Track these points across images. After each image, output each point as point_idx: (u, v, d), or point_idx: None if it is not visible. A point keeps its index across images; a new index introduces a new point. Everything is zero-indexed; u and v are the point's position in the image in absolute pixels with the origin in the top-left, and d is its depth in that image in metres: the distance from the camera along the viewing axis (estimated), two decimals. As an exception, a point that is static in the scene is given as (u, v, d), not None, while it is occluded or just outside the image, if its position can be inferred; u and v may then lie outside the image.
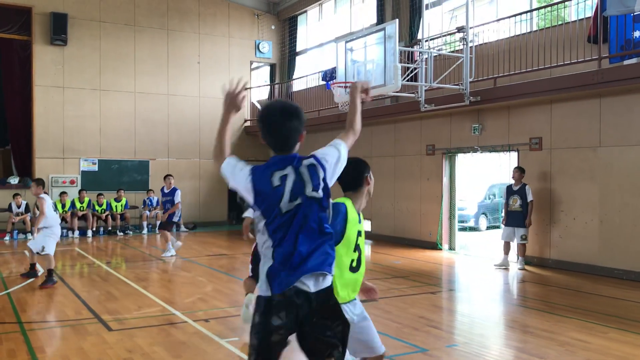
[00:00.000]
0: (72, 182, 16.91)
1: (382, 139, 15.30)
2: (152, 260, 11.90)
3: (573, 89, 9.85)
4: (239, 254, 13.02)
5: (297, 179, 2.94)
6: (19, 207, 15.33)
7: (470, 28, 11.17)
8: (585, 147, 10.33)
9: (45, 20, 16.54)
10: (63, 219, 15.76)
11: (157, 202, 17.15)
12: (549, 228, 10.91)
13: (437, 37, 12.90)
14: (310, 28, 19.46)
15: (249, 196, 3.01)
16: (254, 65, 20.62)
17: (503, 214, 11.19)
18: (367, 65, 10.85)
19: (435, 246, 13.32)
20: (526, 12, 11.43)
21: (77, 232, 15.77)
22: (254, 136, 19.90)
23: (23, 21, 16.54)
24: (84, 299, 7.93)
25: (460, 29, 11.23)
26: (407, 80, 11.14)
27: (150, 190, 17.45)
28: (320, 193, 2.96)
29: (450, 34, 12.44)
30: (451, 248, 13.31)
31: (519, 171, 10.85)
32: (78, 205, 16.05)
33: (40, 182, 9.44)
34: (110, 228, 16.38)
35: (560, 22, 10.66)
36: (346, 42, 11.48)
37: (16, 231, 15.22)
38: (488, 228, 18.70)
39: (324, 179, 3.00)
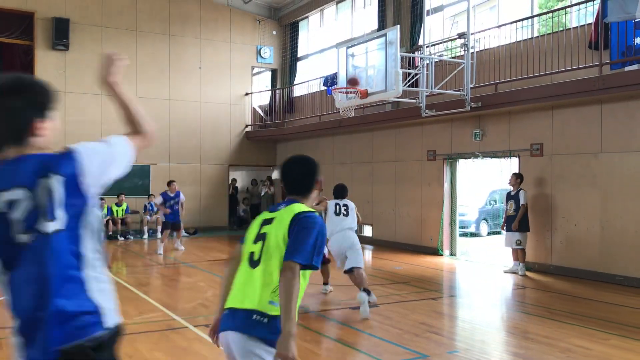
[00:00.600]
0: (73, 186, 16.91)
1: (383, 145, 15.32)
2: (153, 265, 11.90)
3: (574, 95, 9.86)
4: (240, 259, 13.02)
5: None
6: (20, 211, 15.32)
7: (472, 34, 11.20)
8: (587, 153, 10.33)
9: (47, 25, 16.60)
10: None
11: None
12: (549, 234, 10.90)
13: (438, 43, 12.93)
14: (312, 34, 19.51)
15: None
16: (255, 70, 20.66)
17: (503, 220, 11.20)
18: (368, 70, 10.87)
19: (436, 252, 13.31)
20: (527, 18, 11.46)
21: (78, 237, 15.76)
22: (255, 141, 19.93)
23: (25, 26, 16.59)
24: (84, 304, 7.92)
25: (461, 35, 11.26)
26: (408, 86, 11.16)
27: (152, 195, 17.45)
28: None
29: (451, 40, 12.47)
30: (452, 254, 13.29)
31: (515, 177, 10.87)
32: (79, 210, 16.04)
33: None
34: (111, 233, 16.38)
35: (561, 29, 10.69)
36: (347, 47, 11.50)
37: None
38: (489, 234, 18.68)
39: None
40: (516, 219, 10.55)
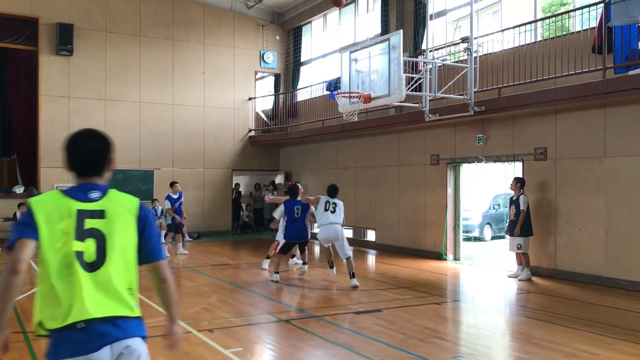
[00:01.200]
0: (77, 191, 16.93)
1: (386, 149, 15.31)
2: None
3: (578, 99, 9.85)
4: (243, 263, 13.02)
5: None
6: (24, 216, 15.34)
7: (475, 38, 11.21)
8: (591, 157, 10.31)
9: (51, 31, 16.67)
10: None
11: (162, 211, 17.16)
12: (554, 238, 10.87)
13: (442, 48, 12.94)
14: (315, 38, 19.55)
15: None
16: (259, 75, 20.70)
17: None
18: (371, 75, 10.88)
19: (439, 256, 13.28)
20: (530, 22, 11.46)
21: (81, 242, 15.76)
22: (258, 146, 19.95)
23: (29, 32, 16.67)
24: (88, 308, 7.92)
25: (464, 39, 11.26)
26: (412, 90, 11.17)
27: (155, 199, 17.46)
28: None
29: (454, 44, 12.47)
30: (456, 258, 13.26)
31: (515, 181, 10.86)
32: (83, 214, 16.04)
33: None
34: (114, 237, 16.37)
35: (564, 33, 10.68)
36: (350, 52, 11.52)
37: (21, 240, 15.24)
38: (493, 238, 18.65)
39: None
40: (517, 224, 10.54)
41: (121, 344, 2.61)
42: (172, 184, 14.12)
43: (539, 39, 11.40)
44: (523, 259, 10.63)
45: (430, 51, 12.14)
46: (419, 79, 11.39)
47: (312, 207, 10.39)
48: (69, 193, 2.71)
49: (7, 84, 17.89)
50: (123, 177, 17.63)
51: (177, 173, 18.34)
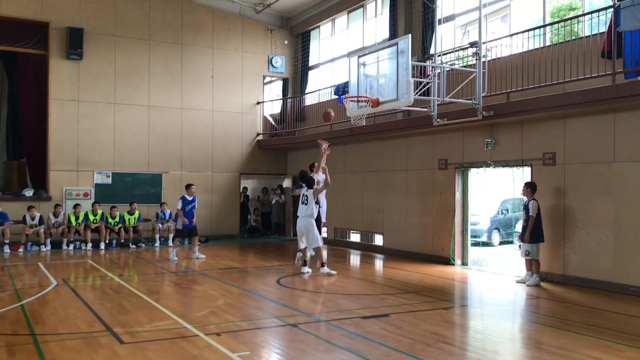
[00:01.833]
0: (85, 194, 17.04)
1: (394, 153, 15.30)
2: (164, 273, 11.92)
3: (587, 104, 9.80)
4: (251, 267, 13.02)
5: None
6: (33, 219, 15.45)
7: (483, 43, 11.18)
8: (600, 162, 10.25)
9: (61, 35, 16.79)
10: (76, 232, 15.88)
11: (170, 215, 17.23)
12: (562, 244, 10.81)
13: (450, 52, 12.92)
14: (323, 43, 19.58)
15: None
16: (267, 79, 20.75)
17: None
18: (379, 79, 10.87)
19: (447, 261, 13.24)
20: (539, 27, 11.43)
21: (90, 245, 15.85)
22: (266, 150, 19.97)
23: (40, 36, 16.79)
24: (96, 311, 7.96)
25: (473, 44, 11.24)
26: (420, 95, 11.15)
27: (164, 203, 17.53)
28: None
29: (463, 49, 12.46)
30: (464, 263, 13.21)
31: (525, 186, 10.82)
32: (91, 217, 16.15)
33: None
34: (123, 241, 16.46)
35: (573, 37, 10.64)
36: (359, 56, 11.52)
37: (30, 243, 15.35)
38: (501, 243, 18.57)
39: None
40: (526, 230, 10.50)
41: None
42: (188, 186, 14.16)
43: (547, 43, 11.37)
44: (534, 264, 10.57)
45: (438, 55, 12.12)
46: (427, 83, 11.37)
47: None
48: None
49: (18, 88, 18.03)
50: (132, 181, 17.71)
51: (185, 177, 18.40)
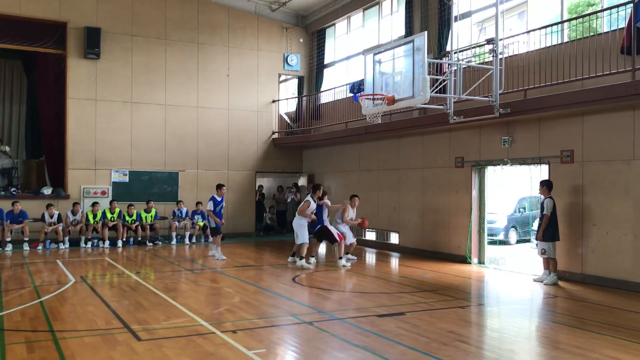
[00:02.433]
0: (103, 192, 17.20)
1: (410, 151, 15.24)
2: (181, 270, 11.99)
3: (606, 101, 9.67)
4: (266, 265, 13.05)
5: None
6: (51, 217, 15.63)
7: (500, 40, 11.09)
8: (619, 160, 10.12)
9: (79, 35, 16.95)
10: (94, 229, 16.04)
11: (186, 213, 17.34)
12: (580, 242, 10.69)
13: (467, 49, 12.83)
14: (338, 41, 19.55)
15: None
16: (282, 77, 20.77)
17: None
18: (395, 77, 10.83)
19: (464, 260, 13.16)
20: (557, 23, 11.31)
21: (107, 242, 16.01)
22: (281, 148, 20.01)
23: (58, 36, 16.96)
24: (114, 308, 8.03)
25: (489, 41, 11.15)
26: (436, 92, 11.09)
27: (180, 201, 17.64)
28: None
29: (479, 46, 12.36)
30: (480, 262, 13.13)
31: (540, 184, 10.73)
32: (109, 215, 16.30)
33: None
34: (140, 238, 16.59)
35: (592, 34, 10.51)
36: (374, 54, 11.49)
37: (49, 241, 15.53)
38: (518, 242, 18.42)
39: None
40: (540, 228, 10.41)
41: None
42: (219, 187, 13.93)
43: (565, 40, 11.24)
44: (551, 263, 10.48)
45: (455, 53, 12.04)
46: (444, 80, 11.31)
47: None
48: None
49: (37, 87, 18.26)
50: (149, 179, 17.85)
51: (201, 175, 18.50)
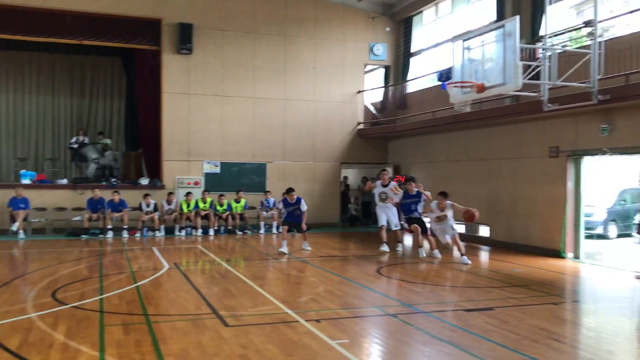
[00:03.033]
0: (196, 183, 17.88)
1: (501, 141, 14.69)
2: (269, 259, 12.25)
3: None
4: (351, 255, 13.06)
5: None
6: (148, 206, 16.44)
7: (599, 22, 10.41)
8: None
9: (173, 31, 17.64)
10: (187, 218, 16.71)
11: (274, 203, 17.68)
12: (690, 238, 9.88)
13: (562, 33, 12.16)
14: (426, 28, 19.14)
15: None
16: (368, 67, 20.64)
17: None
18: (485, 63, 10.45)
19: (558, 254, 12.55)
20: (665, 1, 10.47)
21: (200, 231, 16.63)
22: (366, 139, 19.91)
23: (153, 32, 17.74)
24: (204, 294, 8.32)
25: (587, 23, 10.50)
26: (529, 79, 10.59)
27: (268, 191, 18.02)
28: None
29: (576, 29, 11.68)
30: (576, 257, 12.47)
31: None
32: (201, 205, 16.92)
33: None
34: (230, 227, 17.10)
35: None
36: (463, 40, 11.14)
37: (146, 229, 16.34)
38: (619, 236, 17.33)
39: None
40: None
41: None
42: (288, 191, 13.32)
43: (674, 19, 10.39)
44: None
45: (549, 37, 11.44)
46: (537, 66, 10.77)
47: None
48: None
49: (135, 83, 19.22)
50: (238, 170, 18.35)
51: (288, 166, 18.78)
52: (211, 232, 16.67)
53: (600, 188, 16.63)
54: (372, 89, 20.88)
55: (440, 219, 12.30)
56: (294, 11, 19.03)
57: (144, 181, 17.74)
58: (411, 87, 19.07)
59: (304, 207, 13.26)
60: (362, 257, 12.53)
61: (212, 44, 18.11)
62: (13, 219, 15.36)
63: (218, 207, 17.06)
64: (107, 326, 6.47)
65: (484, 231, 15.49)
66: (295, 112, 19.03)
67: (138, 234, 16.14)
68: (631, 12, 10.86)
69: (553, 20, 12.13)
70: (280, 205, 13.96)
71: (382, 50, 20.06)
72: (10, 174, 19.11)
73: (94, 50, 19.09)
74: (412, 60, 19.62)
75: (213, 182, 17.99)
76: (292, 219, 13.35)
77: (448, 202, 12.20)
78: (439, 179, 16.69)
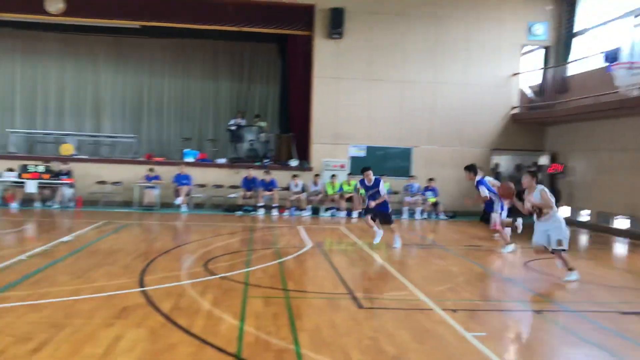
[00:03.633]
0: (341, 166, 18.19)
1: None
2: (410, 245, 12.12)
3: None
4: (498, 246, 12.50)
5: None
6: (296, 186, 17.08)
7: None
8: None
9: (325, 16, 17.98)
10: (332, 200, 17.08)
11: (418, 188, 17.44)
12: None
13: None
14: (591, 5, 17.52)
15: None
16: (525, 49, 19.43)
17: None
18: (659, 42, 9.34)
19: None
20: None
21: (344, 213, 16.92)
22: (521, 124, 18.83)
23: (306, 18, 18.22)
24: (342, 275, 8.45)
25: None
26: None
27: (412, 176, 17.82)
28: None
29: None
30: None
31: None
32: (346, 187, 17.19)
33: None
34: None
35: None
36: (635, 16, 10.03)
37: (293, 208, 16.98)
38: None
39: None
40: None
41: None
42: (366, 171, 11.56)
43: None
44: None
45: None
46: None
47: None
48: None
49: (288, 68, 19.96)
50: (383, 154, 18.36)
51: (434, 151, 18.40)
52: (354, 214, 16.87)
53: None
54: (530, 71, 19.64)
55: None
56: (447, -9, 18.47)
57: (294, 163, 18.41)
58: (573, 69, 17.63)
59: (383, 190, 11.22)
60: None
61: (362, 28, 18.18)
62: (177, 194, 16.80)
63: (361, 191, 17.16)
64: (250, 298, 6.82)
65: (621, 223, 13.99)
66: (444, 96, 18.53)
67: (287, 213, 16.82)
68: None
69: None
70: (358, 185, 12.31)
71: (542, 30, 18.77)
72: (176, 152, 20.87)
73: (253, 37, 20.07)
74: (575, 40, 18.11)
75: (358, 166, 18.12)
76: (376, 207, 11.28)
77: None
78: (601, 168, 15.33)
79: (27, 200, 16.13)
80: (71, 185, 16.55)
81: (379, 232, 11.43)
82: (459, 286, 8.04)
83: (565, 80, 17.78)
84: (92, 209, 16.22)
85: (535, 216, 8.56)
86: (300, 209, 16.96)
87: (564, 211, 16.40)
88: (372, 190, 11.28)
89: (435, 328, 5.92)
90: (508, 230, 11.50)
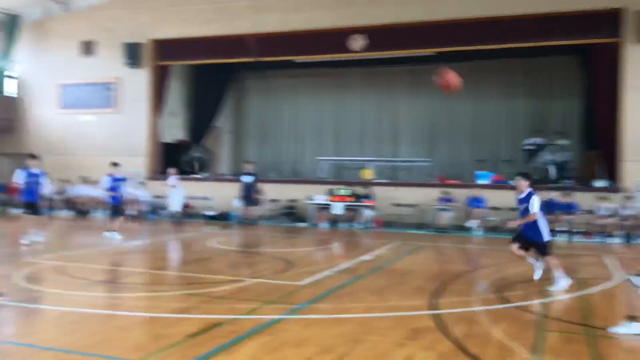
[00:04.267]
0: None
1: None
2: None
3: None
4: None
5: None
6: (603, 209, 15.44)
7: None
8: None
9: (635, 19, 15.96)
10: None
11: None
12: None
13: None
14: None
15: None
16: None
17: None
18: None
19: None
20: None
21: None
22: None
23: (611, 24, 16.40)
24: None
25: None
26: None
27: None
28: None
29: None
30: None
31: None
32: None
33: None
34: None
35: None
36: None
37: (601, 233, 15.35)
38: None
39: None
40: None
41: None
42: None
43: None
44: None
45: None
46: None
47: None
48: None
49: (591, 80, 18.29)
50: None
51: None
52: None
53: None
54: None
55: None
56: None
57: (599, 183, 16.62)
58: None
59: (533, 207, 8.61)
60: None
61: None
62: (470, 217, 16.65)
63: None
64: (546, 332, 6.31)
65: None
66: None
67: (594, 239, 15.24)
68: None
69: None
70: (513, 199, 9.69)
71: None
72: (469, 174, 20.77)
73: (550, 51, 18.91)
74: None
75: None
76: (524, 230, 8.88)
77: None
78: None
79: (333, 221, 17.85)
80: (372, 207, 17.76)
81: (536, 265, 9.20)
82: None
83: None
84: (388, 230, 17.13)
85: None
86: (608, 234, 15.20)
87: None
88: (523, 205, 8.80)
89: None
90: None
